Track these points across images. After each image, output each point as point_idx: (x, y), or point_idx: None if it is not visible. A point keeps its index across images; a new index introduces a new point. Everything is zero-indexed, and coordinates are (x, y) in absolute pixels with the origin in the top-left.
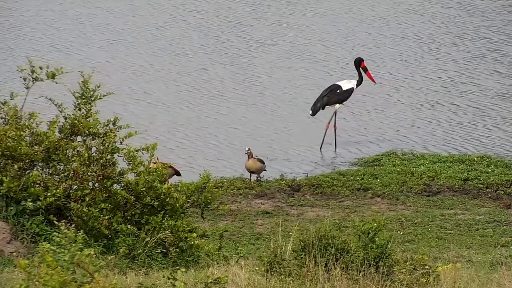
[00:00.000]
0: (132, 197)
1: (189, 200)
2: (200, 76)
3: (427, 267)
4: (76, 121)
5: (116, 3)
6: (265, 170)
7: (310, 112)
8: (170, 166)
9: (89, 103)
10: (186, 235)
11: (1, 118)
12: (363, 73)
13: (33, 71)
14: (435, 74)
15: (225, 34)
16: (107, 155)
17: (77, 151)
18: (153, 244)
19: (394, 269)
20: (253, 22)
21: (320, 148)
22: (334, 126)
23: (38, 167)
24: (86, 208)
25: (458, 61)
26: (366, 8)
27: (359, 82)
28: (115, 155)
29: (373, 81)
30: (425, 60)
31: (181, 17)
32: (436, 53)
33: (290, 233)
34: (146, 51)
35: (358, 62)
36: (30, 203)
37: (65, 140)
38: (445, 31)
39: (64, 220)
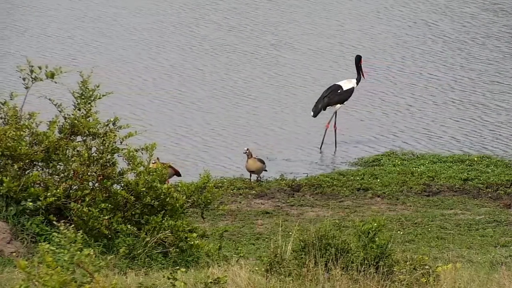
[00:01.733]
0: (132, 197)
1: (189, 200)
2: (229, 76)
3: (427, 267)
4: (76, 121)
5: (143, 2)
6: (266, 170)
7: (312, 113)
8: (170, 166)
9: (89, 103)
10: (186, 235)
11: (1, 118)
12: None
13: (32, 71)
14: (464, 74)
15: (252, 33)
16: (107, 155)
17: (77, 151)
18: (153, 244)
19: (394, 269)
20: (280, 22)
21: (320, 148)
22: (334, 126)
23: (38, 167)
24: (86, 208)
25: (486, 61)
26: (393, 9)
27: (358, 80)
28: (115, 155)
29: (363, 76)
30: (455, 60)
31: (209, 17)
32: (466, 53)
33: (290, 233)
34: (175, 50)
35: (358, 59)
36: (30, 203)
37: (65, 140)
38: (473, 31)
39: (64, 220)
